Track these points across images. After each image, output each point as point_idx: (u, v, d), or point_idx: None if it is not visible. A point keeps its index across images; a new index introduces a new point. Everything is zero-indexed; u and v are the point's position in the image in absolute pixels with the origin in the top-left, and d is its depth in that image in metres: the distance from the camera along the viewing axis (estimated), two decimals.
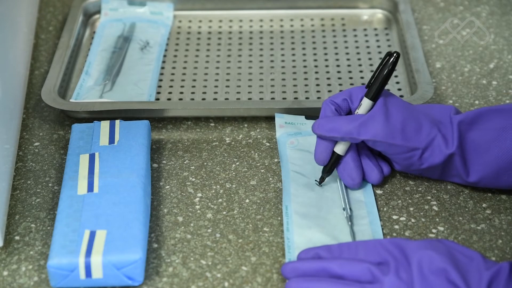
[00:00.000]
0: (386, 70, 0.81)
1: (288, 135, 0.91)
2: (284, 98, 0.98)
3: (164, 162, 0.89)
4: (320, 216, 0.81)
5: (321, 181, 0.85)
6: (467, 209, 0.83)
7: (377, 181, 0.84)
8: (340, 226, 0.80)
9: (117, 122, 0.88)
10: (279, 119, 0.92)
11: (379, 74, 0.81)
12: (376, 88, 0.81)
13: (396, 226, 0.81)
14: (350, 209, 0.81)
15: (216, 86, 1.00)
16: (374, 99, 0.82)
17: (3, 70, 0.87)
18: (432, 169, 0.83)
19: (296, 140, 0.90)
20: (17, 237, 0.80)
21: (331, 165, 0.84)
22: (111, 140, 0.86)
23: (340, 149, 0.83)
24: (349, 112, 0.84)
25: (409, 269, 0.69)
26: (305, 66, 1.03)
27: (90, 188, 0.80)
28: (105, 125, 0.88)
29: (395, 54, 0.80)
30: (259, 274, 0.76)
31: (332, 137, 0.82)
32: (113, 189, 0.80)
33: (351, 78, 1.01)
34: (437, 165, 0.82)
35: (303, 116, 0.93)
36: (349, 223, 0.80)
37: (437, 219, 0.82)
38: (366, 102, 0.82)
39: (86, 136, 0.87)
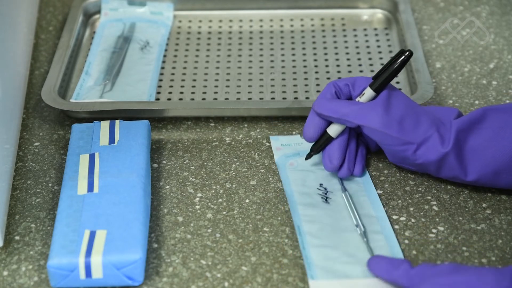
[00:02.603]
0: (395, 67, 0.82)
1: (286, 157, 0.89)
2: (284, 98, 0.98)
3: (164, 162, 0.89)
4: (334, 235, 0.79)
5: (307, 157, 0.86)
6: (467, 209, 0.83)
7: (343, 175, 0.85)
8: (355, 242, 0.78)
9: (117, 122, 0.88)
10: (275, 141, 0.91)
11: (388, 69, 0.82)
12: (381, 81, 0.83)
13: (396, 226, 0.81)
14: (363, 225, 0.80)
15: (216, 86, 1.00)
16: (377, 91, 0.83)
17: (3, 70, 0.87)
18: (427, 166, 0.83)
19: (295, 162, 0.89)
20: (17, 237, 0.80)
21: (320, 144, 0.85)
22: (111, 140, 0.86)
23: (333, 130, 0.84)
24: (349, 98, 0.86)
25: None
26: (305, 66, 1.03)
27: (90, 188, 0.80)
28: (105, 125, 0.88)
29: (407, 53, 0.82)
30: (259, 274, 0.76)
31: (329, 117, 0.83)
32: (113, 189, 0.80)
33: None
34: (431, 162, 0.82)
35: (298, 136, 0.92)
36: (365, 239, 0.78)
37: (437, 219, 0.82)
38: (369, 92, 0.83)
39: (86, 136, 0.87)
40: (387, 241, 0.79)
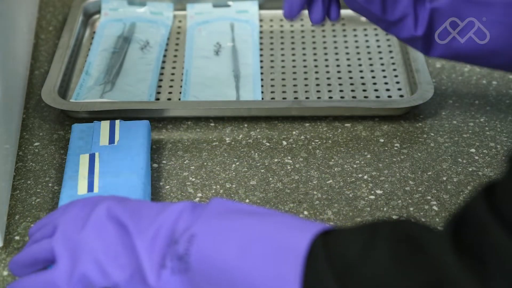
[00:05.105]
0: None
1: (197, 24, 1.08)
2: (284, 98, 0.98)
3: (164, 162, 0.89)
4: (214, 77, 0.99)
5: None
6: None
7: (317, 21, 0.84)
8: (228, 83, 0.98)
9: (117, 122, 0.88)
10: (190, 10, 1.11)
11: None
12: None
13: None
14: (238, 70, 0.98)
15: None
16: None
17: (3, 70, 0.87)
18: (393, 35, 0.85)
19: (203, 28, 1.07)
20: (17, 237, 0.80)
21: None
22: (111, 140, 0.86)
23: None
24: None
25: None
26: (305, 66, 1.03)
27: (90, 188, 0.80)
28: (105, 125, 0.88)
29: None
30: None
31: None
32: (113, 189, 0.80)
33: (351, 78, 1.01)
34: (399, 38, 0.84)
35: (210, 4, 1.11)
36: (235, 79, 0.98)
37: (437, 219, 0.82)
38: None
39: (86, 136, 0.87)
40: (254, 82, 0.98)
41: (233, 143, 0.92)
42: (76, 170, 0.82)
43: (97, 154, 0.84)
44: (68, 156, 0.85)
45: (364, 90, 0.99)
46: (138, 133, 0.87)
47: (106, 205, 0.65)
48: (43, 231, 0.67)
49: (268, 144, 0.92)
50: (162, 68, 1.03)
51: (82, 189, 0.80)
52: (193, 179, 0.87)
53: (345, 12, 1.13)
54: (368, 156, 0.90)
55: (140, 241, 0.62)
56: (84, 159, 0.84)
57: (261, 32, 1.10)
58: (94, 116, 0.93)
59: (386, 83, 1.00)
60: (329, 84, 1.00)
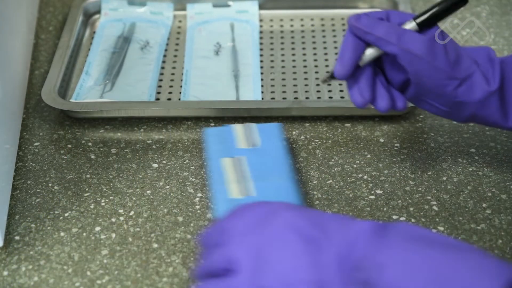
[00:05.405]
0: (445, 5, 0.73)
1: (197, 24, 1.08)
2: (284, 98, 0.98)
3: (164, 162, 0.89)
4: (214, 76, 0.99)
5: (324, 81, 0.81)
6: (467, 209, 0.83)
7: (385, 109, 0.77)
8: (228, 82, 0.98)
9: (253, 125, 0.88)
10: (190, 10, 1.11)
11: (436, 8, 0.73)
12: (427, 16, 0.73)
13: None
14: (238, 70, 0.99)
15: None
16: (421, 26, 0.73)
17: (3, 70, 0.87)
18: (464, 107, 0.75)
19: (203, 28, 1.08)
20: (17, 237, 0.80)
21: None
22: (251, 143, 0.86)
23: (362, 59, 0.76)
24: None
25: None
26: (305, 66, 1.03)
27: (247, 192, 0.79)
28: (239, 128, 0.88)
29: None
30: None
31: (367, 33, 0.73)
32: (268, 192, 0.79)
33: None
34: (473, 102, 0.74)
35: (211, 4, 1.11)
36: (235, 79, 0.98)
37: (437, 219, 0.82)
38: (411, 25, 0.74)
39: (222, 140, 0.86)
40: (253, 82, 0.99)
41: None
42: (222, 174, 0.82)
43: (241, 158, 0.83)
44: (209, 161, 0.84)
45: None
46: (274, 136, 0.87)
47: (287, 215, 0.62)
48: (217, 240, 0.64)
49: None
50: (162, 68, 1.03)
51: (236, 193, 0.80)
52: (193, 179, 0.87)
53: (345, 11, 1.14)
54: (368, 156, 0.90)
55: (324, 259, 0.59)
56: (228, 163, 0.83)
57: (261, 32, 1.10)
58: (94, 115, 0.93)
59: None
60: (329, 84, 1.00)
